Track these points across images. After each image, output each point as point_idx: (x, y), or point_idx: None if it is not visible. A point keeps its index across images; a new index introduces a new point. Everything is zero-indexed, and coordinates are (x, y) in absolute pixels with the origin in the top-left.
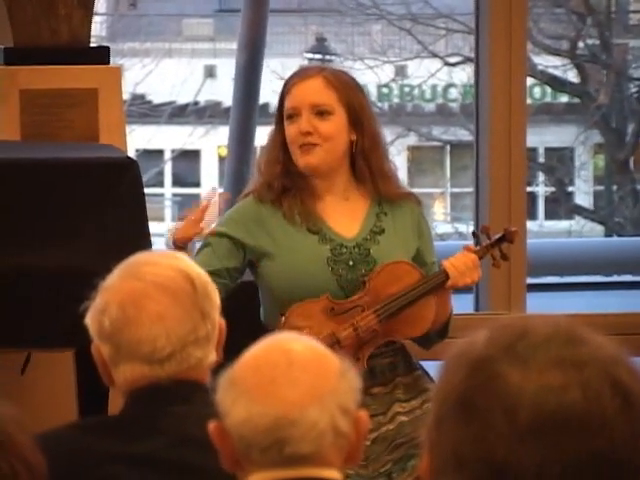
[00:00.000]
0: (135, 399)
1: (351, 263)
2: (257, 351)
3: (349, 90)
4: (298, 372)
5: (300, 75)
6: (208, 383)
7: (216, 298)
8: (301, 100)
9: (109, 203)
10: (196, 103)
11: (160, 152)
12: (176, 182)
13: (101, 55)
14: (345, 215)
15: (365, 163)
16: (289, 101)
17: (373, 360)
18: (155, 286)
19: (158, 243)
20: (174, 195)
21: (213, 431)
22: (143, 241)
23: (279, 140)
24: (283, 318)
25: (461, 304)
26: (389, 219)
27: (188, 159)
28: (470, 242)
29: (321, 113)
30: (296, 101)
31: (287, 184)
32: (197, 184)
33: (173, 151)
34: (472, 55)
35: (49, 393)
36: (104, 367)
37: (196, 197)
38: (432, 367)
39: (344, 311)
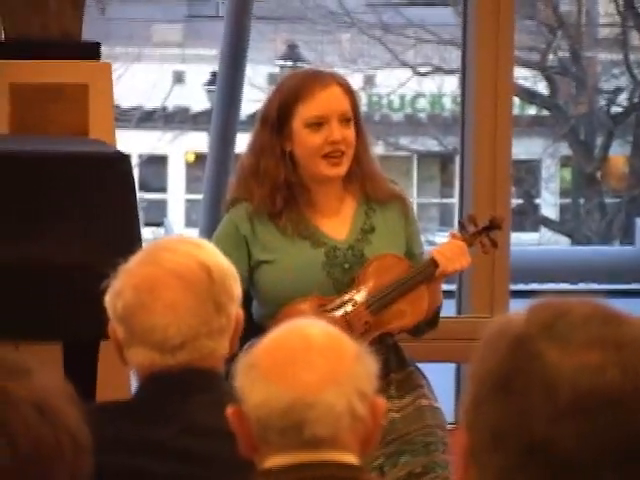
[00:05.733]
0: (148, 385)
1: (347, 266)
2: (275, 336)
3: (356, 96)
4: (316, 356)
5: (317, 81)
6: (221, 371)
7: (235, 290)
8: (329, 109)
9: (101, 197)
10: (164, 108)
11: None
12: (143, 187)
13: (92, 51)
14: (335, 217)
15: (358, 166)
16: (313, 109)
17: None
18: (171, 273)
19: None
20: (141, 200)
21: (231, 415)
22: (134, 236)
23: (278, 148)
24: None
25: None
26: (378, 216)
27: (155, 164)
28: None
29: (346, 120)
30: (324, 109)
31: (287, 196)
32: (164, 189)
33: (140, 156)
34: (442, 65)
35: None
36: (118, 347)
37: (163, 203)
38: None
39: (335, 307)
